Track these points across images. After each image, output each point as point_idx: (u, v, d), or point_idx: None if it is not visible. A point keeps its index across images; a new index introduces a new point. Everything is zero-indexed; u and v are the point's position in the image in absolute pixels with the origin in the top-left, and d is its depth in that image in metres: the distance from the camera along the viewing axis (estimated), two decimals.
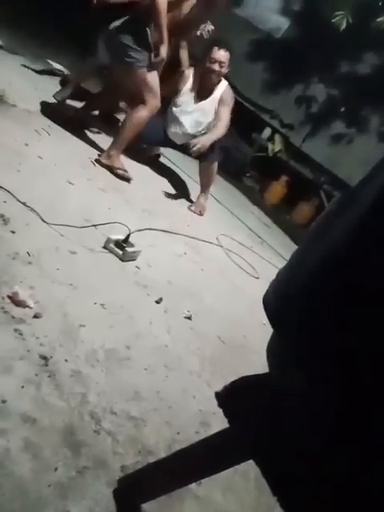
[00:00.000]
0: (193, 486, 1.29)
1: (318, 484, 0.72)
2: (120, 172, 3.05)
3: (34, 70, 3.90)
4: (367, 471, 0.64)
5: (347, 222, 0.67)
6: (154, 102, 3.02)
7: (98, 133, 3.60)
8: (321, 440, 0.68)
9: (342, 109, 4.90)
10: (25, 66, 3.87)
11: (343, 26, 4.43)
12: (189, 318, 2.10)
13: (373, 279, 0.61)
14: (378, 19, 4.34)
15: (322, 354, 0.65)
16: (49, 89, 3.79)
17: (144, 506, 1.17)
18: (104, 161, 3.03)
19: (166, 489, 1.15)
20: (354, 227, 0.65)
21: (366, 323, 0.61)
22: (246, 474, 1.45)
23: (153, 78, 2.99)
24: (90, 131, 3.52)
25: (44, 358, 1.41)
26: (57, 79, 4.08)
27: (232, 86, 3.62)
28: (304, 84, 5.14)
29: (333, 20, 4.45)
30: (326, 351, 0.65)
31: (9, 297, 1.53)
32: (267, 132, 5.43)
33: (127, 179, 3.09)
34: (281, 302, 0.73)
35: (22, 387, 1.28)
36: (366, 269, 0.62)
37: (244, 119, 4.24)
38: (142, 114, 3.03)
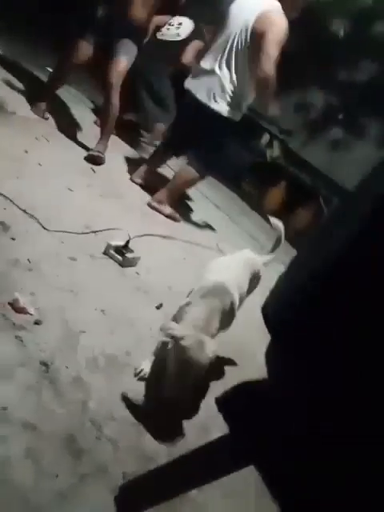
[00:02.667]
0: (193, 491, 1.29)
1: (319, 488, 0.72)
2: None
3: None
4: (365, 475, 0.64)
5: (347, 223, 0.68)
6: None
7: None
8: (319, 445, 0.69)
9: (341, 115, 4.93)
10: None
11: (342, 33, 4.46)
12: None
13: (373, 278, 0.61)
14: (376, 26, 4.38)
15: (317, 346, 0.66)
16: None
17: None
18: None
19: (166, 495, 1.15)
20: (354, 228, 0.65)
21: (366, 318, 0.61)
22: (247, 479, 1.44)
23: None
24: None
25: (45, 364, 1.41)
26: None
27: None
28: (302, 90, 5.17)
29: (331, 28, 4.49)
30: (321, 344, 0.65)
31: (9, 304, 1.53)
32: (266, 138, 5.45)
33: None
34: (280, 305, 0.74)
35: (23, 394, 1.28)
36: (367, 269, 0.62)
37: (242, 125, 4.25)
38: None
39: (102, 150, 3.19)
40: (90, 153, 3.14)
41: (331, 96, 5.01)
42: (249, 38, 2.78)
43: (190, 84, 3.05)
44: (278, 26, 2.73)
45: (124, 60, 3.22)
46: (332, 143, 5.02)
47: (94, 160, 3.12)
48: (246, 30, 2.79)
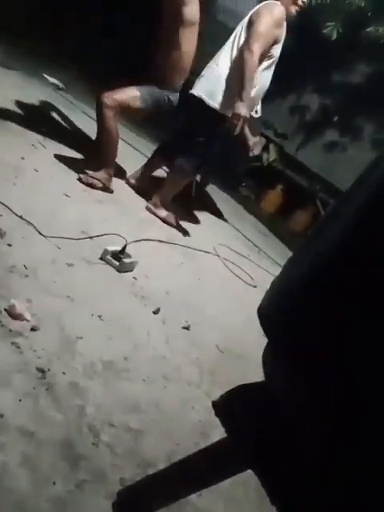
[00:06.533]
0: (193, 497, 1.28)
1: (316, 491, 0.71)
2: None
3: None
4: (363, 477, 0.64)
5: (342, 221, 0.68)
6: None
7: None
8: (315, 446, 0.68)
9: (335, 117, 4.96)
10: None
11: (334, 36, 4.50)
12: (187, 328, 2.10)
13: (369, 273, 0.61)
14: (368, 29, 4.42)
15: (310, 350, 0.66)
16: (45, 102, 3.83)
17: None
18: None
19: (165, 500, 1.14)
20: (348, 225, 0.66)
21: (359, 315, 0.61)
22: (247, 484, 1.43)
23: None
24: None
25: (41, 370, 1.41)
26: (51, 91, 4.12)
27: None
28: (297, 94, 5.20)
29: (324, 31, 4.52)
30: (315, 347, 0.65)
31: (6, 310, 1.53)
32: (262, 142, 5.47)
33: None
34: (274, 306, 0.74)
35: (20, 401, 1.28)
36: (363, 263, 0.62)
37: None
38: None
39: (98, 178, 2.91)
40: (81, 176, 2.88)
41: (325, 98, 5.04)
42: (246, 28, 2.85)
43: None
44: (273, 10, 2.78)
45: (136, 91, 2.90)
46: (328, 145, 5.04)
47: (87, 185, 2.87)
48: (244, 24, 2.88)
